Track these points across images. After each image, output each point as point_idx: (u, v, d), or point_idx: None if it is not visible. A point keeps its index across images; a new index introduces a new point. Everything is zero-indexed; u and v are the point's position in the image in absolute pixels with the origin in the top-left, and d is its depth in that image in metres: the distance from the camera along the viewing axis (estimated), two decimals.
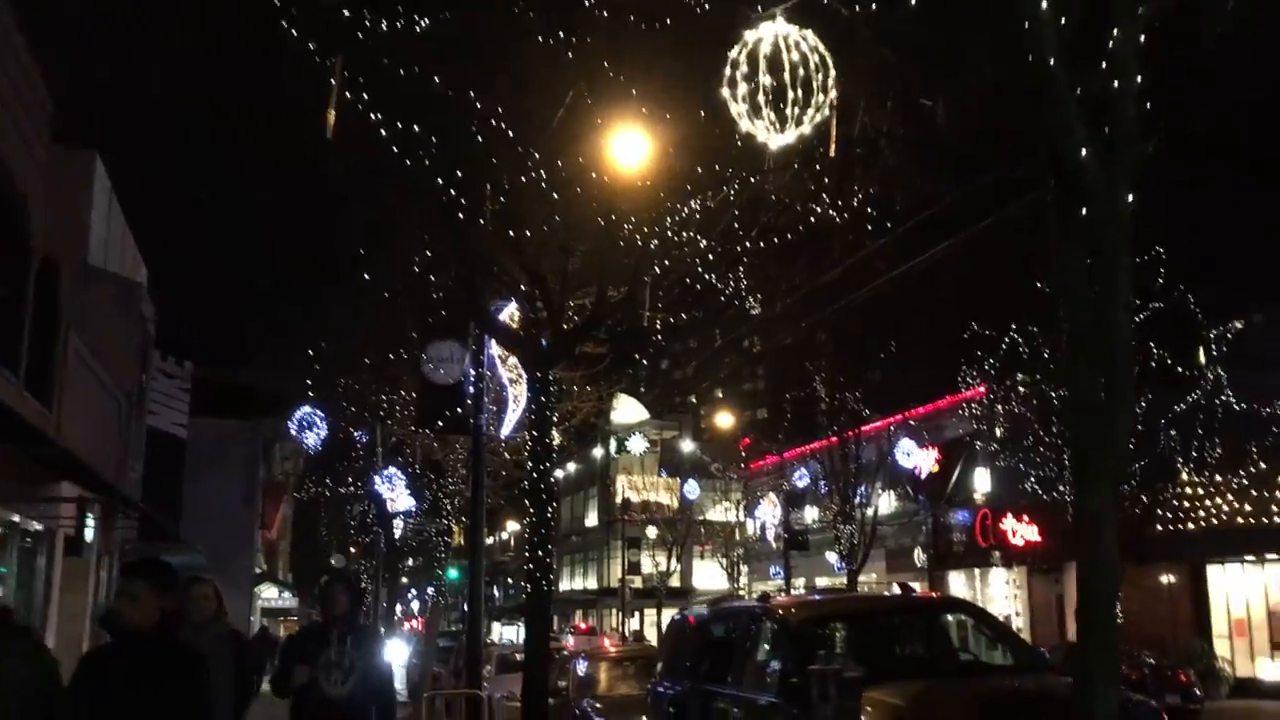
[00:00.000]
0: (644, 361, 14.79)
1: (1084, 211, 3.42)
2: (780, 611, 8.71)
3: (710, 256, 12.59)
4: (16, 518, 15.71)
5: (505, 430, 17.61)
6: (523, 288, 12.53)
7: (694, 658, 10.07)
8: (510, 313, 17.65)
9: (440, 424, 17.16)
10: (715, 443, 57.26)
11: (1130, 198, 3.38)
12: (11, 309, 14.21)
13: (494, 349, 18.07)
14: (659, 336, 13.81)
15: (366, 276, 12.63)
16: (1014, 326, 24.52)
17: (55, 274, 17.54)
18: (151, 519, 23.13)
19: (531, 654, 11.55)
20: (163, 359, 24.74)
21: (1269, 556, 25.72)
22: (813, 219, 11.38)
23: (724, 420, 53.04)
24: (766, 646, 8.78)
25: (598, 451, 67.43)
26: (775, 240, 11.83)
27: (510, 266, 12.16)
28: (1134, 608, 25.15)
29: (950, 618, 9.29)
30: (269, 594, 40.65)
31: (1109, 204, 3.35)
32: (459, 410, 17.03)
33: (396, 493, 24.66)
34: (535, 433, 11.65)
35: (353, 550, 46.47)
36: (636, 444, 62.29)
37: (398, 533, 31.88)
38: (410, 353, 16.47)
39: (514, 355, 17.34)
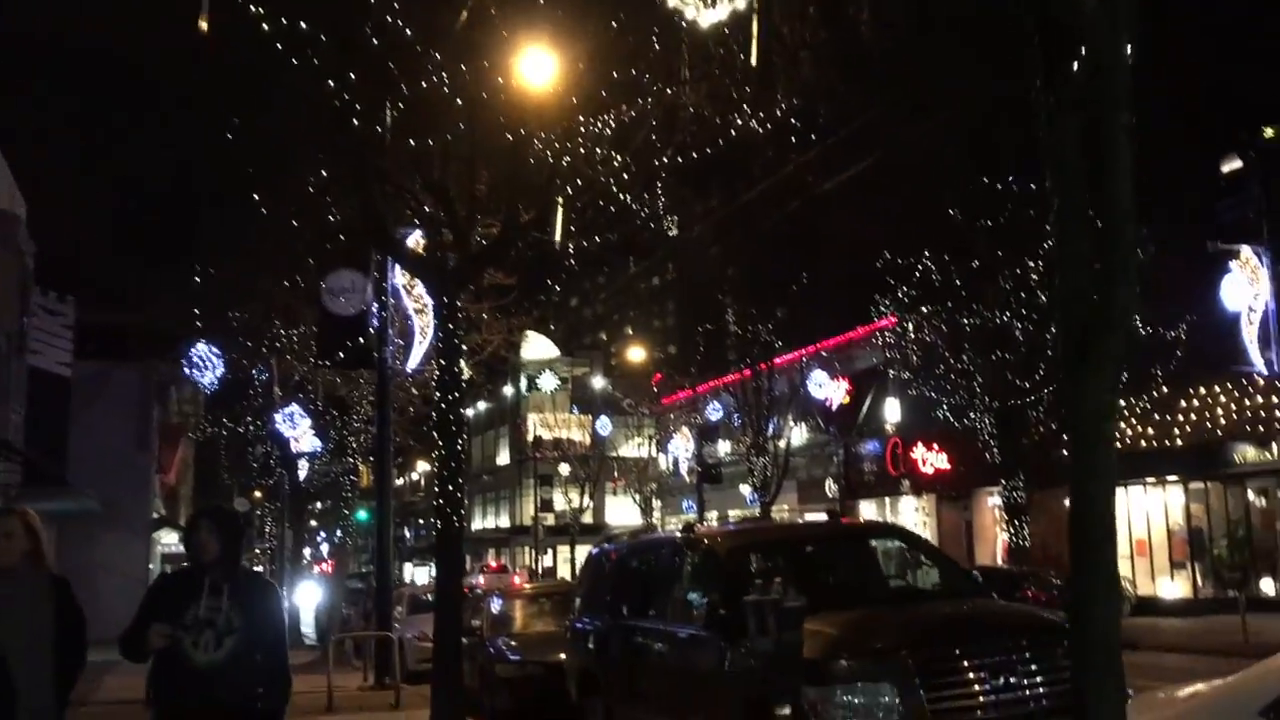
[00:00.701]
0: (556, 288, 14.19)
1: (1075, 66, 2.97)
2: (707, 541, 8.30)
3: (625, 176, 11.98)
4: None
5: (412, 363, 16.91)
6: (427, 210, 11.78)
7: (614, 592, 9.65)
8: (415, 240, 16.83)
9: (341, 357, 16.38)
10: (627, 379, 57.04)
11: (1129, 48, 2.94)
12: None
13: (398, 278, 17.29)
14: (572, 262, 13.20)
15: (256, 197, 11.74)
16: (927, 254, 24.39)
17: None
18: (34, 463, 21.93)
19: (443, 592, 11.02)
20: (43, 294, 23.33)
21: (1169, 478, 26.31)
22: (733, 131, 10.83)
23: (636, 354, 52.64)
24: (692, 578, 8.37)
25: (508, 389, 66.81)
26: (694, 155, 11.26)
27: (412, 186, 11.40)
28: (1040, 530, 25.60)
29: (882, 544, 9.00)
30: (169, 539, 39.32)
31: (1111, 51, 2.90)
32: (362, 343, 16.28)
33: (299, 432, 23.73)
34: (443, 362, 11.00)
35: (258, 494, 45.14)
36: (547, 381, 61.82)
37: (303, 474, 30.91)
38: (308, 283, 15.60)
39: (419, 283, 16.59)
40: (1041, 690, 6.30)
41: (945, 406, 25.10)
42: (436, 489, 10.81)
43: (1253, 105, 24.74)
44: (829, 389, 35.87)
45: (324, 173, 11.80)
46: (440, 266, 11.29)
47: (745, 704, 6.89)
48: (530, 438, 62.58)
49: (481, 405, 69.09)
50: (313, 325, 17.39)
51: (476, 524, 73.48)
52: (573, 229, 12.82)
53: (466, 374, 21.69)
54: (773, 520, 10.48)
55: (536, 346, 62.53)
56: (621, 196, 11.96)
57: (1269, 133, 25.06)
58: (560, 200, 11.91)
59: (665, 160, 11.20)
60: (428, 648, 16.98)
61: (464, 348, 13.49)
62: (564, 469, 56.42)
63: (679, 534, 8.96)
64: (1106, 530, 3.45)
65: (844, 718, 6.07)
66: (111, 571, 30.50)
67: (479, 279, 11.82)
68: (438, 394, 10.82)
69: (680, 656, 7.96)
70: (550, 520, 58.74)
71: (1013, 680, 6.24)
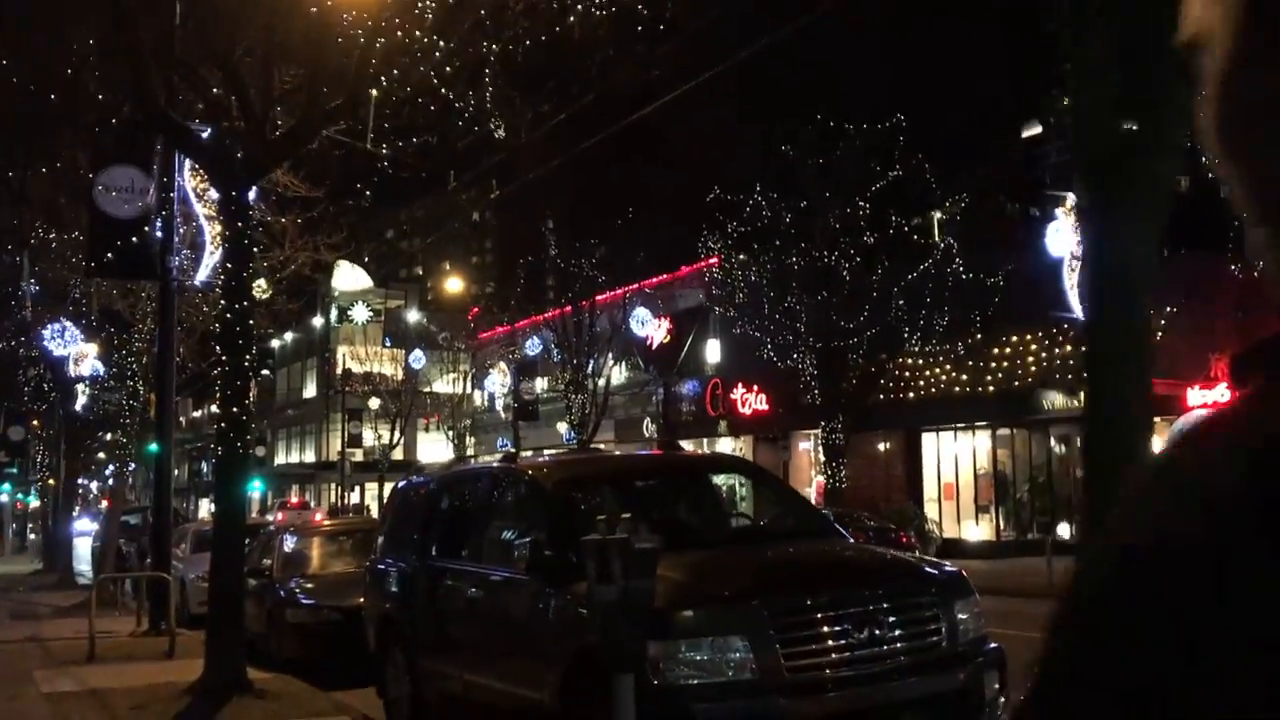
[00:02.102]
0: (367, 192, 12.78)
1: None
2: (531, 473, 7.27)
3: (448, 69, 10.67)
4: None
5: (201, 275, 15.12)
6: (215, 92, 10.19)
7: (422, 529, 8.54)
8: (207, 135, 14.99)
9: (116, 265, 14.48)
10: (443, 312, 55.38)
11: None
12: None
13: (187, 181, 15.41)
14: (385, 164, 11.83)
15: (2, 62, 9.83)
16: (758, 189, 23.89)
17: None
18: None
19: (222, 526, 9.66)
20: None
21: (978, 424, 26.86)
22: (572, 18, 9.69)
23: (453, 285, 50.95)
24: (513, 515, 7.37)
25: (318, 321, 63.96)
26: (526, 45, 10.06)
27: (196, 61, 9.80)
28: (851, 473, 25.77)
29: (726, 479, 8.18)
30: None
31: None
32: (142, 250, 14.43)
33: (74, 351, 21.32)
34: (229, 265, 9.54)
35: (35, 423, 41.41)
36: (360, 313, 59.52)
37: (81, 402, 28.23)
38: (77, 179, 13.62)
39: (213, 186, 14.84)
40: (909, 645, 5.61)
41: (769, 346, 24.80)
42: (218, 409, 9.41)
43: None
44: (650, 327, 35.33)
45: (90, 41, 10.03)
46: (228, 156, 9.76)
47: (571, 657, 5.96)
48: (339, 370, 60.15)
49: (289, 336, 65.97)
50: (78, 228, 15.34)
51: (280, 458, 70.50)
52: (386, 127, 11.45)
53: (266, 291, 19.91)
54: (602, 451, 9.62)
55: (349, 277, 59.84)
56: (443, 91, 10.65)
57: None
58: (373, 91, 10.52)
59: (493, 51, 9.95)
60: None
61: (259, 260, 12.00)
62: (374, 403, 54.48)
63: (498, 464, 7.92)
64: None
65: (688, 676, 5.20)
66: None
67: (274, 171, 10.32)
68: (223, 300, 9.38)
69: (496, 603, 6.97)
70: (358, 456, 56.73)
71: (878, 633, 5.51)
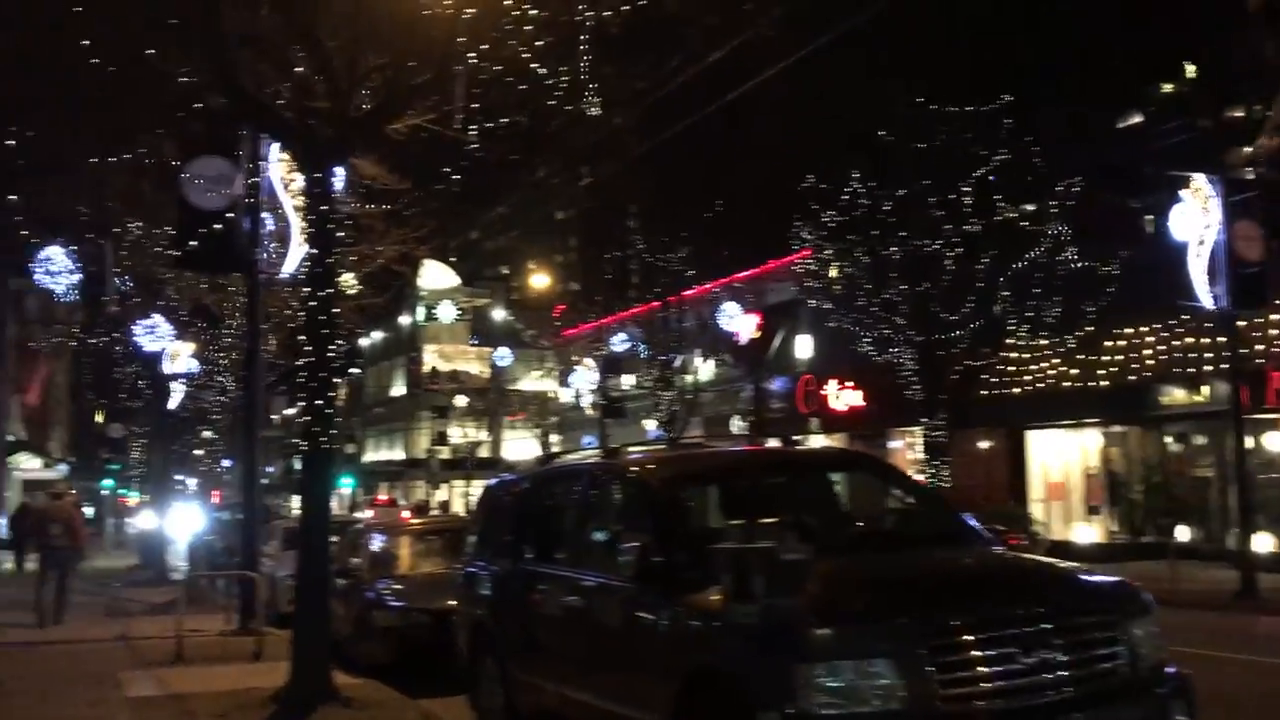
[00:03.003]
0: (456, 176, 12.30)
1: None
2: (635, 469, 6.61)
3: (539, 43, 10.07)
4: None
5: (288, 267, 14.80)
6: (298, 70, 9.73)
7: (515, 531, 7.96)
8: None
9: (203, 258, 14.22)
10: (529, 311, 55.32)
11: None
12: None
13: (274, 172, 15.12)
14: (475, 146, 11.28)
15: (86, 43, 9.49)
16: (856, 177, 22.94)
17: None
18: None
19: (308, 524, 9.19)
20: None
21: (1087, 421, 25.57)
22: None
23: (539, 281, 50.76)
24: (615, 516, 6.72)
25: (405, 319, 64.39)
26: (625, 9, 9.39)
27: (277, 34, 9.34)
28: (952, 471, 24.65)
29: (850, 477, 7.44)
30: (29, 465, 36.36)
31: None
32: (230, 242, 14.15)
33: (164, 345, 21.28)
34: (314, 251, 9.08)
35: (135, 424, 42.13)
36: (446, 311, 59.78)
37: (176, 401, 28.42)
38: (156, 163, 13.33)
39: (300, 176, 14.50)
40: (1081, 671, 4.83)
41: (867, 340, 23.85)
42: (303, 402, 8.94)
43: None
44: (739, 322, 34.55)
45: (172, 21, 9.62)
46: (312, 137, 9.30)
47: (686, 676, 5.30)
48: (427, 369, 60.48)
49: (378, 335, 66.55)
50: (163, 220, 15.11)
51: (369, 455, 71.15)
52: (476, 106, 10.90)
53: (353, 287, 19.60)
54: (709, 446, 8.88)
55: (435, 276, 60.21)
56: (534, 66, 10.05)
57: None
58: (461, 68, 9.96)
59: (587, 18, 9.32)
60: None
61: (346, 255, 11.58)
62: (461, 401, 54.59)
63: (598, 460, 7.29)
64: None
65: (826, 705, 4.49)
66: None
67: (358, 152, 9.82)
68: (307, 287, 8.92)
69: (598, 613, 6.33)
70: (445, 454, 56.93)
71: (1046, 657, 4.74)
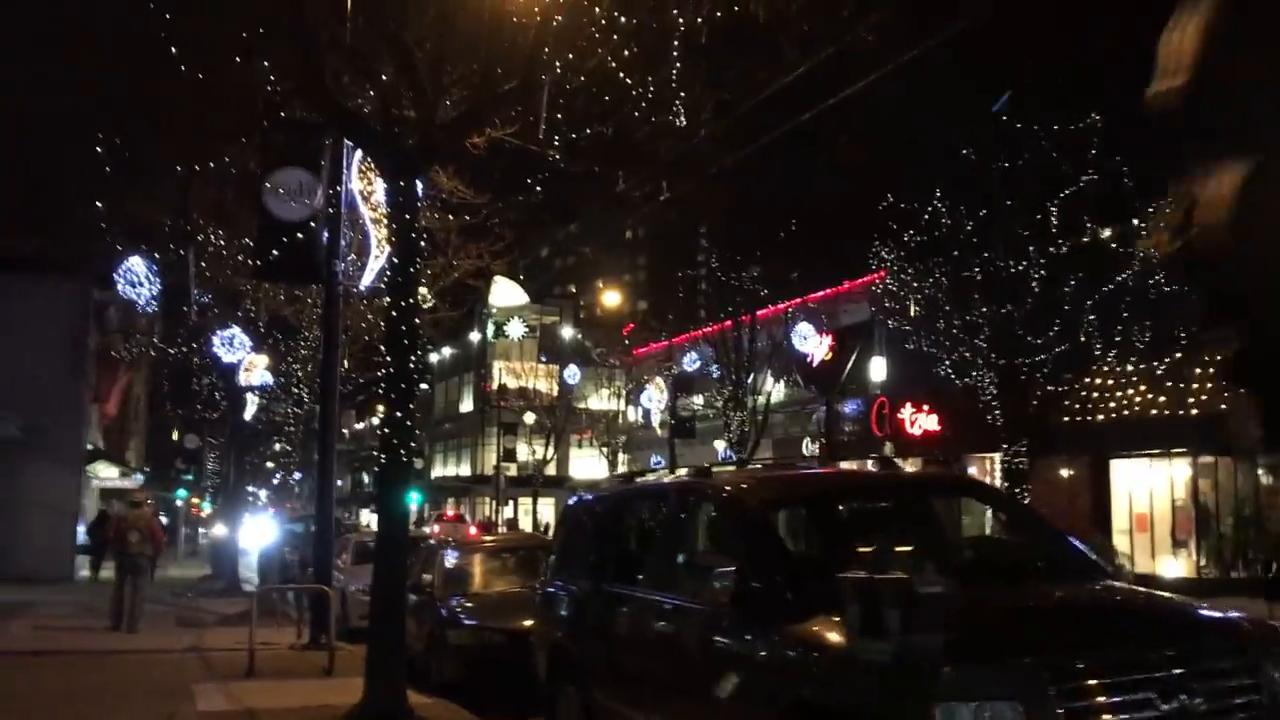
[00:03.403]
0: (538, 189, 12.15)
1: None
2: (730, 489, 6.29)
3: (626, 52, 9.88)
4: None
5: (366, 280, 14.78)
6: (384, 78, 9.63)
7: (598, 551, 7.68)
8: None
9: (282, 268, 14.23)
10: (598, 329, 55.27)
11: None
12: None
13: (355, 183, 15.13)
14: (557, 157, 11.11)
15: (174, 51, 9.48)
16: (939, 194, 22.43)
17: None
18: None
19: (385, 540, 9.01)
20: None
21: (1176, 450, 24.66)
22: None
23: (610, 299, 50.77)
24: (706, 537, 6.42)
25: (474, 336, 64.76)
26: (717, 14, 9.14)
27: (363, 40, 9.24)
28: (1032, 500, 23.89)
29: (957, 503, 7.04)
30: (107, 474, 36.96)
31: None
32: (309, 251, 14.15)
33: (239, 357, 21.42)
34: (396, 260, 8.93)
35: (209, 433, 42.70)
36: (515, 328, 59.98)
37: (251, 412, 28.67)
38: (237, 173, 13.38)
39: (379, 188, 14.48)
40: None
41: (946, 363, 23.24)
42: (382, 414, 8.77)
43: None
44: (812, 343, 34.09)
45: (260, 30, 9.60)
46: (397, 144, 9.16)
47: (785, 712, 4.96)
48: (495, 386, 60.66)
49: (447, 351, 66.99)
50: (244, 230, 15.18)
51: (437, 471, 71.54)
52: (560, 117, 10.73)
53: (427, 301, 19.56)
54: (803, 467, 8.44)
55: (505, 293, 60.47)
56: (621, 75, 9.85)
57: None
58: (546, 78, 9.80)
59: (677, 25, 9.08)
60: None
61: (421, 268, 11.47)
62: (529, 418, 54.64)
63: (687, 479, 6.99)
64: None
65: None
66: (40, 506, 28.23)
67: (443, 160, 9.66)
68: (388, 297, 8.76)
69: (688, 640, 6.02)
70: (513, 470, 56.98)
71: (1184, 702, 4.33)
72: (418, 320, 9.22)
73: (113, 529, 18.45)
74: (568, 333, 58.27)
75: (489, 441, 60.95)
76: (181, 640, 15.14)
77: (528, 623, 9.83)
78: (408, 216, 9.01)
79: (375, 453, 9.34)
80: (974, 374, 23.03)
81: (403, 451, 8.67)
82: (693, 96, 10.39)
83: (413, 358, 8.85)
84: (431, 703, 9.69)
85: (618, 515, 7.74)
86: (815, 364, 34.79)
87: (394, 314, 8.76)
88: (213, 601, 22.46)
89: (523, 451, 56.52)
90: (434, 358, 64.46)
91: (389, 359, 8.71)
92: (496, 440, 56.85)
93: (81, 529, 31.19)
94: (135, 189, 15.76)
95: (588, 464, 58.79)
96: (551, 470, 55.62)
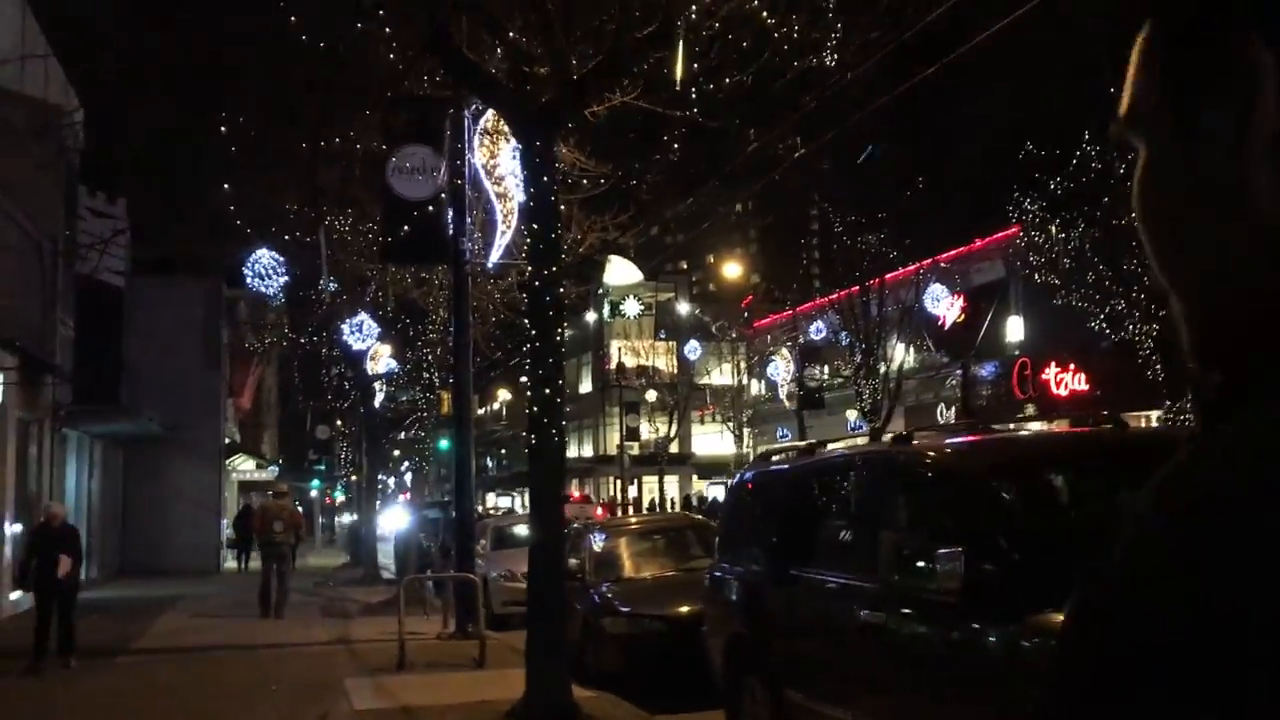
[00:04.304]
0: (675, 146, 11.45)
1: None
2: (945, 459, 5.49)
3: None
4: None
5: (494, 256, 14.27)
6: (512, 36, 9.02)
7: (780, 531, 6.95)
8: (488, 118, 14.11)
9: (410, 249, 13.83)
10: (716, 302, 54.52)
11: None
12: None
13: (477, 157, 14.62)
14: (695, 111, 10.36)
15: (293, 19, 9.04)
16: (1087, 137, 20.99)
17: None
18: (82, 379, 19.97)
19: (541, 524, 8.43)
20: (91, 195, 21.13)
21: None
22: None
23: (730, 271, 50.03)
24: (914, 515, 5.63)
25: (590, 316, 64.65)
26: None
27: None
28: None
29: None
30: (244, 466, 37.75)
31: None
32: (435, 230, 13.73)
33: (369, 345, 21.29)
34: (535, 225, 8.31)
35: (339, 422, 43.29)
36: (631, 307, 59.60)
37: (379, 399, 28.75)
38: (363, 154, 12.99)
39: (501, 161, 13.97)
40: None
41: (1102, 316, 21.82)
42: (529, 392, 8.19)
43: None
44: (943, 305, 32.73)
45: None
46: (529, 100, 8.54)
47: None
48: (614, 365, 60.44)
49: (565, 333, 67.10)
50: (368, 215, 14.83)
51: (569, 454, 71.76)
52: (695, 67, 9.96)
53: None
54: (1006, 430, 7.45)
55: (620, 271, 60.13)
56: (764, 15, 9.04)
57: None
58: (681, 23, 9.05)
59: None
60: (514, 588, 14.66)
61: (561, 222, 10.89)
62: (651, 395, 54.23)
63: (882, 448, 6.20)
64: None
65: None
66: (183, 500, 28.85)
67: (580, 110, 9.01)
68: (529, 266, 8.16)
69: (908, 634, 5.26)
70: (635, 449, 56.74)
71: None
72: (561, 290, 8.61)
73: (257, 520, 19.07)
74: (684, 308, 57.67)
75: (610, 421, 60.81)
76: (328, 631, 14.98)
77: (686, 609, 9.20)
78: (544, 179, 8.38)
79: (525, 433, 8.79)
80: (1129, 328, 21.59)
81: (554, 430, 8.07)
82: (838, 39, 9.53)
83: (558, 330, 8.24)
84: (595, 696, 9.12)
85: (799, 491, 6.99)
86: (946, 326, 33.46)
87: (536, 284, 8.16)
88: (354, 590, 22.50)
89: (645, 430, 56.21)
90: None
91: (533, 333, 8.12)
92: (619, 419, 56.69)
93: (225, 522, 31.84)
94: (262, 175, 15.58)
95: (711, 440, 58.22)
96: (675, 448, 55.16)
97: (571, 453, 71.40)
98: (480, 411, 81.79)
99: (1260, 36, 0.56)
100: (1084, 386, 28.25)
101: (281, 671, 11.38)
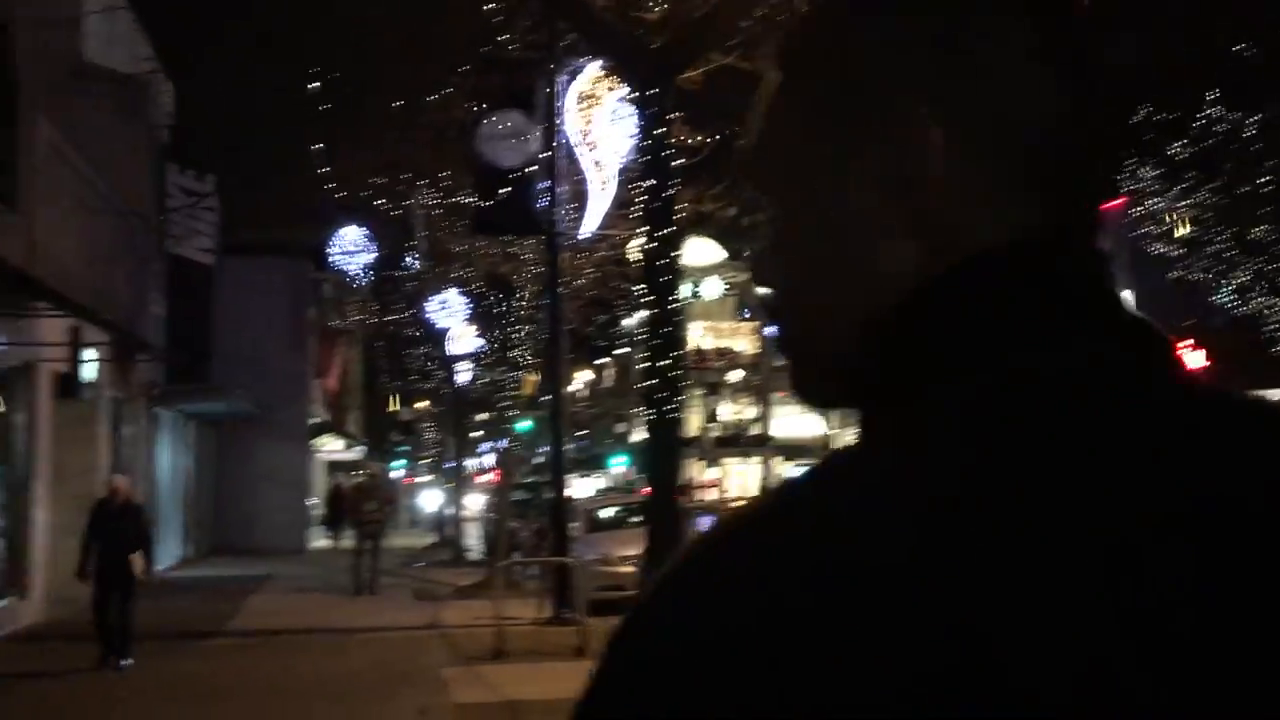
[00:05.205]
0: None
1: None
2: None
3: None
4: None
5: (588, 226, 13.67)
6: None
7: None
8: (589, 74, 13.50)
9: (501, 220, 13.27)
10: None
11: None
12: None
13: (571, 124, 14.01)
14: None
15: None
16: (1211, 97, 19.67)
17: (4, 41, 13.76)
18: (175, 358, 19.87)
19: (658, 506, 7.80)
20: (181, 172, 21.00)
21: None
22: None
23: None
24: None
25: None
26: None
27: None
28: None
29: None
30: (332, 446, 37.82)
31: None
32: (527, 200, 13.14)
33: (453, 322, 20.86)
34: (653, 181, 7.67)
35: (427, 403, 43.19)
36: (711, 287, 58.78)
37: (465, 378, 28.44)
38: (453, 122, 12.45)
39: (594, 127, 13.34)
40: None
41: (1228, 288, 20.54)
42: (645, 363, 7.55)
43: None
44: None
45: None
46: (642, 48, 7.87)
47: None
48: (693, 347, 59.70)
49: (644, 313, 66.51)
50: (448, 190, 14.33)
51: (640, 434, 71.45)
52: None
53: (638, 257, 18.40)
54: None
55: (699, 251, 59.37)
56: None
57: None
58: None
59: None
60: (609, 573, 14.11)
61: (633, 223, 10.22)
62: (733, 376, 53.44)
63: None
64: None
65: None
66: (272, 480, 28.89)
67: (694, 59, 8.31)
68: (646, 225, 7.51)
69: None
70: (717, 431, 56.04)
71: None
72: (675, 254, 7.94)
73: (349, 499, 19.33)
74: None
75: (693, 402, 60.18)
76: (420, 615, 14.60)
77: None
78: (659, 131, 7.72)
79: (645, 409, 8.16)
80: (1257, 299, 20.28)
81: (671, 406, 7.43)
82: None
83: (674, 297, 7.58)
84: None
85: None
86: None
87: (653, 245, 7.52)
88: (442, 572, 22.21)
89: (726, 412, 55.48)
90: (629, 321, 63.98)
91: (650, 298, 7.49)
92: (700, 401, 55.96)
93: (314, 501, 31.92)
94: (352, 150, 15.16)
95: (793, 422, 57.28)
96: (757, 430, 54.37)
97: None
98: (569, 389, 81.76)
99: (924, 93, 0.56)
100: (1203, 362, 26.85)
101: (377, 659, 10.97)
